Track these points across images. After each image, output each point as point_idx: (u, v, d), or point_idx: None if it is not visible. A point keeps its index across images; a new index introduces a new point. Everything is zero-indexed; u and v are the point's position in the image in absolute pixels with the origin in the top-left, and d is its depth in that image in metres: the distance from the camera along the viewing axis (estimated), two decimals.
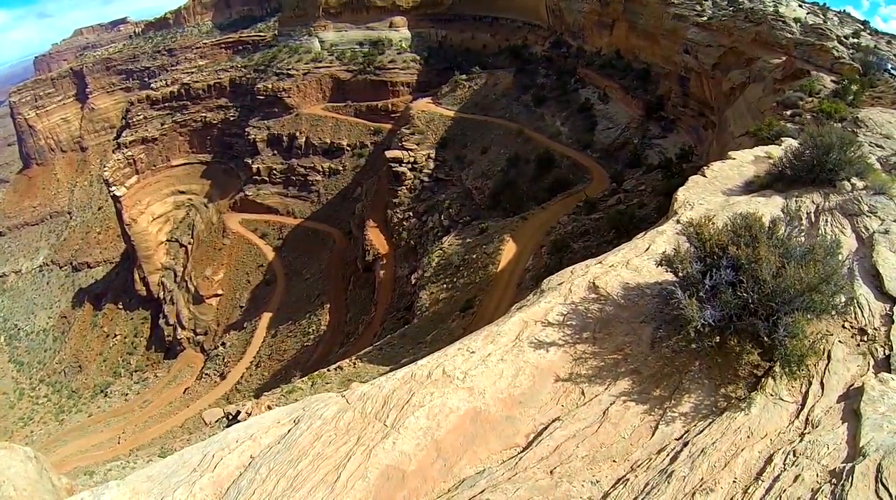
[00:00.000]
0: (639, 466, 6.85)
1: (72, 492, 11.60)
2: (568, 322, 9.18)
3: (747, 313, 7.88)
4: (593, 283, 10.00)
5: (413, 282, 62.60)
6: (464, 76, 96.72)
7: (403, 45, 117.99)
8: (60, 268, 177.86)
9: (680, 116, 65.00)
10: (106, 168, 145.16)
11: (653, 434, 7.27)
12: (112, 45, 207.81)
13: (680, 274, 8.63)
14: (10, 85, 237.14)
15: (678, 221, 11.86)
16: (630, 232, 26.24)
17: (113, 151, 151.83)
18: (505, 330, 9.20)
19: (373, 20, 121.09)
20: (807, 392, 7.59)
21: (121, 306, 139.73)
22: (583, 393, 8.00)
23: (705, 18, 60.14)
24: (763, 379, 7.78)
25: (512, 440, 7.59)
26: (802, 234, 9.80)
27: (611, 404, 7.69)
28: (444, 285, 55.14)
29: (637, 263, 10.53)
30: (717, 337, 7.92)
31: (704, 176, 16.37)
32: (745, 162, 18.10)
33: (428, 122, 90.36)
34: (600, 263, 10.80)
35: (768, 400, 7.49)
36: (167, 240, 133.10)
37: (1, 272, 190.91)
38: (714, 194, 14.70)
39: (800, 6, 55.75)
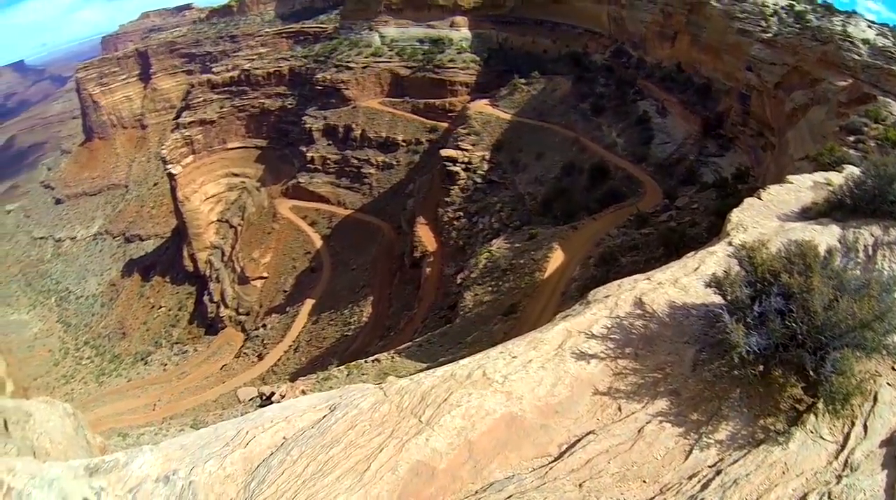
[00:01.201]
0: (668, 489, 6.81)
1: (105, 451, 11.80)
2: (611, 336, 9.09)
3: (794, 345, 7.65)
4: (640, 298, 9.88)
5: (458, 282, 62.34)
6: (523, 80, 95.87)
7: (464, 45, 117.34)
8: (113, 238, 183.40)
9: (738, 135, 63.49)
10: (164, 146, 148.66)
11: (686, 458, 7.20)
12: (177, 30, 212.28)
13: (728, 298, 8.43)
14: (78, 62, 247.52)
15: (730, 243, 11.64)
16: (680, 250, 25.83)
17: (171, 131, 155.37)
18: (548, 338, 9.15)
19: (434, 18, 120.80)
20: (848, 433, 7.41)
21: (168, 280, 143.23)
22: (620, 409, 7.94)
23: (770, 35, 58.47)
24: (804, 415, 7.61)
25: (545, 448, 7.56)
26: (858, 267, 9.47)
27: (647, 423, 7.61)
28: (490, 288, 54.86)
29: (685, 282, 10.36)
30: (761, 366, 7.72)
31: (760, 199, 15.99)
32: (803, 187, 17.65)
33: (485, 123, 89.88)
34: (648, 279, 10.66)
35: (808, 437, 7.34)
36: (218, 220, 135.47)
37: (58, 237, 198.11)
38: (769, 218, 14.39)
39: (869, 27, 53.64)
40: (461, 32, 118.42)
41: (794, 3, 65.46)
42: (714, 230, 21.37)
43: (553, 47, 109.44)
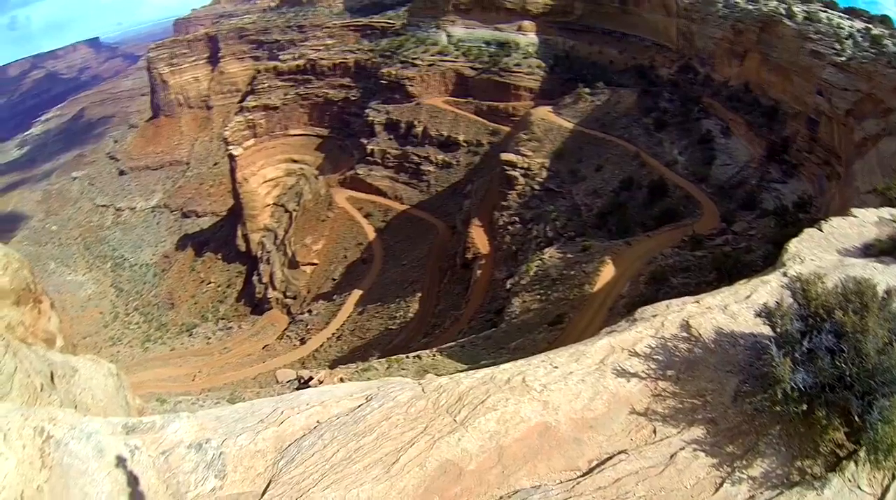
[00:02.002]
0: None
1: (142, 413, 12.07)
2: (654, 356, 8.96)
3: (842, 386, 7.32)
4: (687, 321, 9.69)
5: (508, 287, 62.22)
6: (587, 90, 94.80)
7: (530, 50, 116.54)
8: (171, 212, 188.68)
9: (803, 161, 61.65)
10: (227, 128, 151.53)
11: (716, 491, 7.06)
12: (247, 16, 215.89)
13: (778, 330, 8.18)
14: (150, 42, 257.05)
15: (785, 274, 11.32)
16: (732, 276, 25.35)
17: (235, 114, 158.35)
18: (591, 351, 9.08)
19: (502, 21, 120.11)
20: (888, 487, 7.17)
21: (219, 257, 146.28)
22: (654, 431, 7.83)
23: (844, 59, 56.56)
24: (844, 461, 7.36)
25: (574, 462, 7.51)
26: None
27: (680, 449, 7.49)
28: (538, 296, 54.65)
29: (735, 309, 10.10)
30: (805, 405, 7.40)
31: (821, 230, 15.55)
32: (867, 222, 17.10)
33: (546, 130, 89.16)
34: (697, 302, 10.45)
35: (845, 485, 7.10)
36: (274, 203, 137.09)
37: (118, 207, 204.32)
38: (828, 252, 14.02)
39: None
40: (528, 37, 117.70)
41: (870, 26, 63.60)
42: (770, 259, 20.86)
43: (620, 59, 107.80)
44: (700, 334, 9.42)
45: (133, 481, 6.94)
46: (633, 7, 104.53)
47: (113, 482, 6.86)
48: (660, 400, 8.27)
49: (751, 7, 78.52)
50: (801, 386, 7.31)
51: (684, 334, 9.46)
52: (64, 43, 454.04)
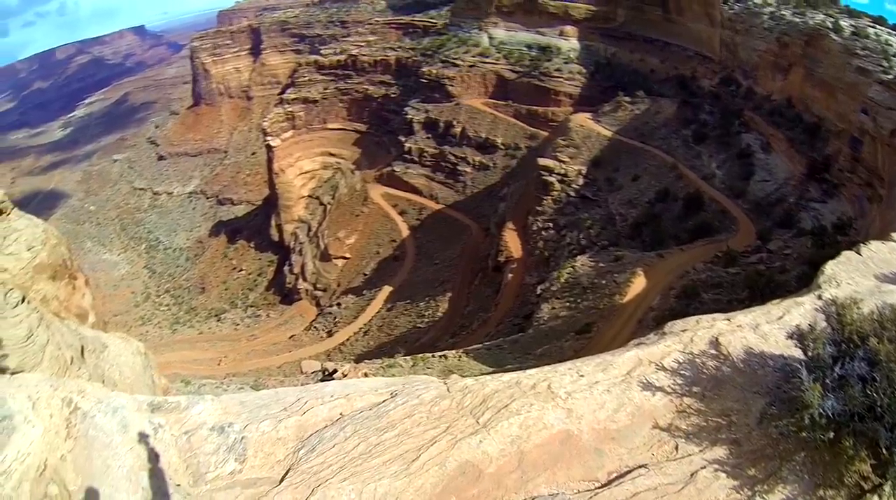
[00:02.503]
0: None
1: (167, 393, 12.26)
2: (681, 371, 8.86)
3: (872, 417, 7.09)
4: (716, 339, 9.55)
5: (538, 292, 61.91)
6: (627, 98, 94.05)
7: (571, 55, 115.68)
8: (207, 198, 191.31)
9: (845, 181, 59.93)
10: (266, 119, 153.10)
11: None
12: (290, 10, 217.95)
13: (809, 353, 8.00)
14: (194, 31, 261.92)
15: (820, 297, 11.11)
16: (765, 296, 24.95)
17: (275, 105, 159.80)
18: (618, 362, 9.02)
19: (544, 25, 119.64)
20: None
21: (252, 245, 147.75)
22: (676, 448, 7.74)
23: (891, 77, 54.61)
24: (868, 494, 7.16)
25: (594, 472, 7.46)
26: None
27: (701, 468, 7.38)
28: (567, 304, 54.29)
29: (766, 329, 9.90)
30: (832, 433, 7.19)
31: (859, 254, 15.21)
32: None
33: (585, 137, 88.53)
34: (728, 320, 10.28)
35: None
36: (309, 195, 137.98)
37: (156, 190, 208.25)
38: (865, 277, 13.72)
39: None
40: (570, 42, 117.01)
41: None
42: (805, 280, 20.50)
43: (661, 68, 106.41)
44: (729, 353, 9.29)
45: (154, 457, 7.06)
46: (677, 16, 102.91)
47: (135, 457, 6.99)
48: (684, 417, 8.18)
49: (797, 20, 77.04)
50: (829, 413, 7.12)
51: (713, 352, 9.34)
52: (110, 29, 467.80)
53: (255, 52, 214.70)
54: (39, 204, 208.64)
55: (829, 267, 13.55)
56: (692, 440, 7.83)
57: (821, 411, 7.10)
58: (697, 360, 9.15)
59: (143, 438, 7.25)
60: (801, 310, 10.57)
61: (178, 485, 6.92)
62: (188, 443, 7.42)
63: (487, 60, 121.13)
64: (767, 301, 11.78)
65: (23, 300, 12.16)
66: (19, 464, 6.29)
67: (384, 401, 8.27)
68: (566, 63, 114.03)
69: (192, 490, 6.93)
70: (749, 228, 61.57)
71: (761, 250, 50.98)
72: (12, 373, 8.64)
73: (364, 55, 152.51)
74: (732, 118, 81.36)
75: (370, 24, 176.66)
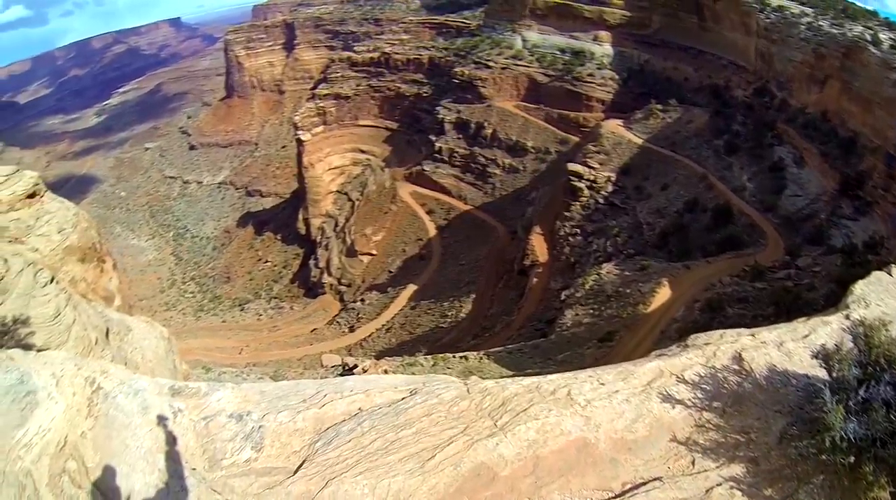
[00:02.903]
0: None
1: (187, 378, 12.40)
2: (702, 385, 8.74)
3: (894, 443, 6.93)
4: (740, 354, 9.39)
5: (562, 298, 61.82)
6: (659, 106, 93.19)
7: (604, 61, 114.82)
8: (236, 189, 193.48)
9: (879, 199, 58.62)
10: (298, 113, 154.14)
11: None
12: (324, 6, 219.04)
13: (834, 374, 7.86)
14: (229, 25, 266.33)
15: (848, 317, 10.84)
16: (791, 313, 24.60)
17: (307, 100, 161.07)
18: (639, 372, 8.94)
19: (577, 29, 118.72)
20: None
21: (279, 238, 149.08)
22: (693, 463, 7.66)
23: None
24: None
25: (608, 482, 7.41)
26: None
27: (717, 485, 7.29)
28: (591, 311, 54.12)
29: (791, 347, 9.71)
30: (853, 457, 7.03)
31: (890, 274, 14.86)
32: None
33: (615, 144, 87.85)
34: (752, 335, 10.08)
35: None
36: (337, 191, 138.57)
37: (186, 179, 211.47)
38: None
39: None
40: (603, 48, 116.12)
41: None
42: (833, 299, 20.10)
43: (694, 77, 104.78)
44: (752, 369, 9.15)
45: (172, 440, 7.16)
46: (712, 24, 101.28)
47: (153, 439, 7.11)
48: (703, 431, 8.09)
49: (835, 31, 75.52)
50: (851, 437, 6.98)
51: (735, 367, 9.21)
52: (147, 21, 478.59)
53: (289, 46, 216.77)
54: (72, 188, 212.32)
55: (859, 287, 13.29)
56: (709, 456, 7.73)
57: (842, 434, 6.96)
58: (719, 374, 9.02)
59: (162, 421, 7.38)
60: (827, 329, 10.35)
61: (194, 469, 7.00)
62: (206, 429, 7.51)
63: (520, 63, 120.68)
64: (793, 319, 11.53)
65: (52, 280, 12.39)
66: (40, 438, 6.45)
67: (403, 398, 8.29)
68: (599, 68, 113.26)
69: (207, 475, 7.01)
70: (778, 243, 60.58)
71: (789, 266, 50.06)
72: (38, 350, 8.80)
73: (397, 53, 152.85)
74: (765, 130, 79.89)
75: (404, 22, 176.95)
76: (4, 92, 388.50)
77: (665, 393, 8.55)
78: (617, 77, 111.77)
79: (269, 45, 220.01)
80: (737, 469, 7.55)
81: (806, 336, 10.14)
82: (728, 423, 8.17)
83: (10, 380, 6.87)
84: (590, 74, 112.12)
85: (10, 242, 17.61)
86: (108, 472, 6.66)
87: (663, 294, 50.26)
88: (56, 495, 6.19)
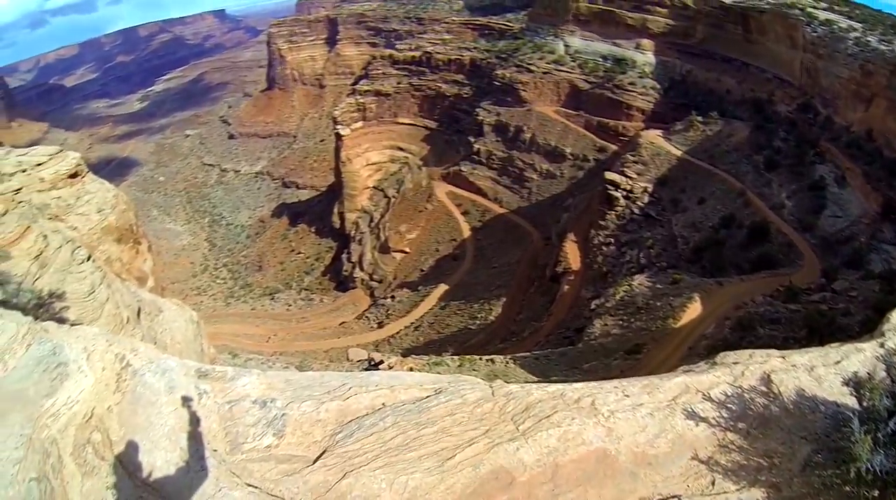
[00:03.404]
0: None
1: (214, 361, 12.57)
2: (728, 405, 8.56)
3: None
4: (769, 376, 9.16)
5: (592, 307, 61.39)
6: (700, 118, 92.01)
7: (646, 69, 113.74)
8: (272, 180, 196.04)
9: None
10: (337, 108, 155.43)
11: None
12: (368, 3, 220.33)
13: (864, 403, 7.63)
14: (273, 18, 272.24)
15: (882, 345, 10.54)
16: (824, 337, 24.19)
17: (347, 95, 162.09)
18: (665, 387, 8.81)
19: (620, 37, 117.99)
20: None
21: (313, 230, 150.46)
22: (713, 483, 7.51)
23: None
24: None
25: (626, 496, 7.33)
26: None
27: None
28: (620, 322, 53.65)
29: (821, 373, 9.42)
30: (877, 491, 6.83)
31: None
32: None
33: (654, 155, 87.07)
34: (783, 357, 9.82)
35: None
36: (374, 187, 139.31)
37: (224, 167, 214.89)
38: None
39: None
40: (646, 56, 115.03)
41: None
42: (868, 326, 19.64)
43: (737, 90, 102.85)
44: (780, 392, 8.93)
45: (195, 421, 7.29)
46: (758, 35, 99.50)
47: (177, 418, 7.26)
48: (725, 452, 7.94)
49: (883, 48, 73.89)
50: (877, 469, 6.77)
51: (763, 389, 9.01)
52: (192, 11, 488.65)
53: (331, 42, 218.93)
54: (112, 170, 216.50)
55: None
56: (730, 478, 7.59)
57: (868, 465, 6.77)
58: (746, 395, 8.83)
59: (187, 401, 7.53)
60: (860, 357, 10.06)
61: (215, 451, 7.11)
62: (230, 412, 7.61)
63: (562, 68, 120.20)
64: (826, 343, 11.23)
65: (88, 258, 12.66)
66: (68, 409, 6.67)
67: (428, 396, 8.30)
68: (641, 77, 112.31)
69: (227, 457, 7.10)
70: (814, 264, 59.22)
71: (825, 289, 48.86)
72: (72, 324, 9.01)
73: (439, 53, 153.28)
74: (807, 147, 78.20)
75: (447, 22, 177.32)
76: (52, 75, 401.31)
77: (690, 410, 8.41)
78: (658, 86, 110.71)
79: (312, 40, 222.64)
80: (757, 494, 7.40)
81: (838, 362, 9.83)
82: (752, 445, 8.01)
83: (43, 351, 7.13)
84: (631, 83, 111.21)
85: (50, 219, 18.04)
86: (132, 447, 6.84)
87: (694, 310, 49.61)
88: (79, 464, 6.38)
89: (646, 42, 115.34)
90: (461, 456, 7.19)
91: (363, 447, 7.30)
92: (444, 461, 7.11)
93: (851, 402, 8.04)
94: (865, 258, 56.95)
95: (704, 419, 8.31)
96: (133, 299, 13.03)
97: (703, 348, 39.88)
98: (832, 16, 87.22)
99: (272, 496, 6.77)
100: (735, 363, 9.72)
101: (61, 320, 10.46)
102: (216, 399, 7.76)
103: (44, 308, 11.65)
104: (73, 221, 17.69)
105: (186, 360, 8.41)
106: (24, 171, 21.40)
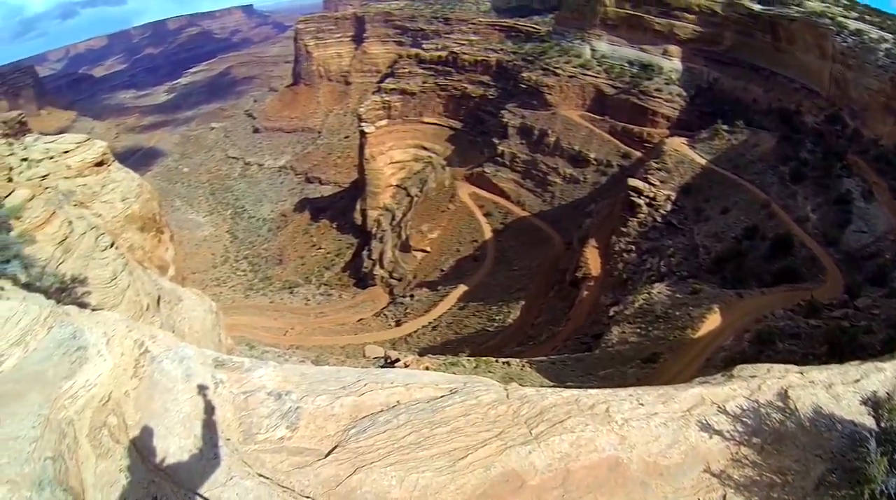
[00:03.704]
0: None
1: (231, 352, 12.67)
2: (743, 418, 8.42)
3: None
4: (786, 391, 8.98)
5: (610, 314, 61.19)
6: (725, 127, 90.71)
7: (672, 76, 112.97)
8: (296, 174, 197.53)
9: None
10: (363, 105, 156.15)
11: None
12: (395, 2, 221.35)
13: (882, 424, 7.53)
14: (300, 14, 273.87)
15: None
16: (844, 355, 23.81)
17: (373, 93, 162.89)
18: (680, 397, 8.71)
19: (647, 42, 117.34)
20: None
21: (334, 226, 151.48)
22: (724, 497, 7.40)
23: None
24: None
25: None
26: None
27: None
28: (638, 330, 53.27)
29: (840, 391, 9.22)
30: None
31: None
32: None
33: (678, 163, 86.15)
34: (801, 373, 9.62)
35: None
36: (397, 185, 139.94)
37: (247, 161, 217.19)
38: None
39: None
40: (672, 63, 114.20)
41: None
42: (890, 345, 19.43)
43: (764, 99, 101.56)
44: (797, 408, 8.77)
45: (210, 410, 7.37)
46: (786, 44, 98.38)
47: (192, 406, 7.36)
48: (738, 466, 7.83)
49: None
50: (892, 492, 6.66)
51: (780, 404, 8.86)
52: (221, 6, 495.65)
53: (358, 39, 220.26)
54: (138, 160, 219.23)
55: None
56: (742, 493, 7.48)
57: (883, 488, 6.67)
58: (762, 410, 8.70)
59: (203, 390, 7.62)
60: (881, 376, 9.90)
61: (228, 440, 7.18)
62: (245, 403, 7.68)
63: (588, 73, 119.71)
64: (846, 361, 11.04)
65: (111, 245, 12.84)
66: (86, 392, 6.84)
67: (442, 396, 8.29)
68: (667, 84, 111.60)
69: (240, 447, 7.16)
70: (837, 279, 58.02)
71: (847, 306, 48.02)
72: (93, 309, 9.15)
73: (465, 54, 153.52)
74: (834, 160, 76.64)
75: (474, 23, 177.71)
76: (82, 65, 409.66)
77: (704, 422, 8.32)
78: (684, 93, 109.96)
79: (339, 37, 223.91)
80: None
81: (857, 381, 9.62)
82: (765, 461, 7.90)
83: (64, 334, 7.31)
84: (657, 89, 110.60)
85: (75, 205, 18.31)
86: (146, 432, 6.95)
87: (713, 321, 49.14)
88: (94, 446, 6.52)
89: (673, 48, 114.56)
90: (473, 457, 7.18)
91: (375, 443, 7.31)
92: (455, 462, 7.10)
93: (869, 422, 7.94)
94: (890, 275, 55.62)
95: (718, 432, 8.21)
96: (154, 287, 13.21)
97: (721, 360, 39.53)
98: (863, 26, 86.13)
99: (282, 487, 6.82)
100: (752, 377, 9.61)
101: (83, 305, 10.63)
102: (232, 389, 7.84)
103: (66, 292, 11.85)
104: (98, 208, 17.96)
105: (204, 349, 8.50)
106: (51, 158, 21.79)
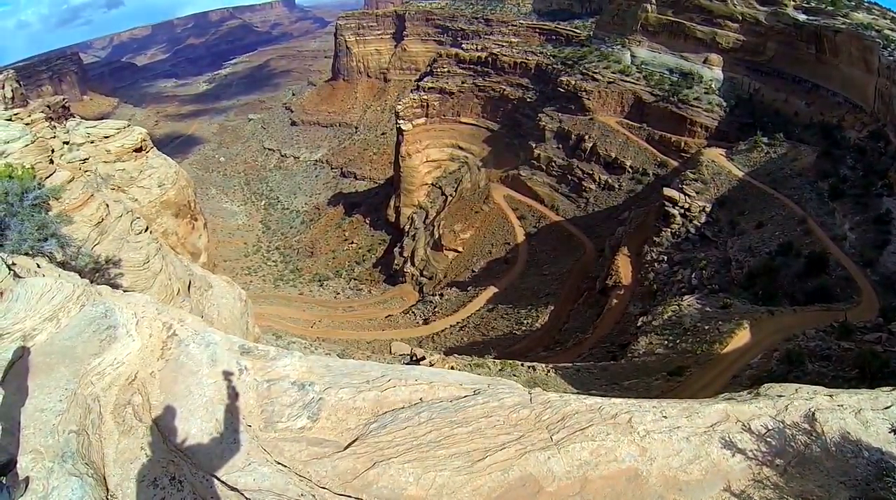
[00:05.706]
0: None
1: (258, 341, 12.83)
2: (767, 438, 8.34)
3: None
4: (813, 413, 8.93)
5: (639, 324, 60.72)
6: (765, 139, 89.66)
7: (713, 85, 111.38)
8: (331, 168, 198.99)
9: None
10: (401, 103, 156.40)
11: None
12: (436, 1, 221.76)
13: None
14: (341, 10, 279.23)
15: None
16: (875, 380, 23.45)
17: (411, 91, 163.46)
18: (705, 412, 8.64)
19: (688, 50, 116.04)
20: None
21: (367, 222, 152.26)
22: None
23: None
24: None
25: None
26: None
27: None
28: (665, 342, 52.92)
29: (869, 416, 9.14)
30: None
31: None
32: None
33: (714, 174, 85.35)
34: (830, 396, 9.56)
35: None
36: (431, 184, 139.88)
37: (284, 153, 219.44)
38: None
39: None
40: (713, 72, 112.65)
41: None
42: None
43: (806, 112, 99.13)
44: (823, 432, 8.70)
45: (233, 395, 7.48)
46: (830, 56, 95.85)
47: (216, 391, 7.49)
48: (759, 487, 7.74)
49: None
50: None
51: (806, 426, 8.78)
52: (263, 0, 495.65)
53: (398, 37, 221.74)
54: (175, 147, 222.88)
55: None
56: None
57: None
58: (788, 431, 8.61)
59: (227, 375, 7.75)
60: None
61: (250, 426, 7.27)
62: (268, 391, 7.76)
63: (627, 79, 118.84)
64: (877, 386, 10.90)
65: (146, 229, 13.09)
66: (113, 369, 7.04)
67: (466, 396, 8.29)
68: (706, 93, 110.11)
69: (260, 434, 7.25)
70: (872, 301, 56.25)
71: (881, 329, 46.76)
72: (124, 291, 9.35)
73: (505, 55, 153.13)
74: (875, 178, 74.76)
75: (514, 25, 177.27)
76: (125, 53, 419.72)
77: (727, 439, 8.24)
78: (724, 104, 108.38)
79: (379, 34, 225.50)
80: None
81: (887, 408, 9.55)
82: (787, 484, 7.79)
83: (96, 313, 7.51)
84: (696, 98, 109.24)
85: (113, 189, 18.69)
86: (169, 412, 7.09)
87: (742, 337, 48.50)
88: (118, 423, 6.68)
89: (714, 57, 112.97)
90: (492, 459, 7.18)
91: (395, 439, 7.35)
92: (474, 462, 7.11)
93: None
94: None
95: (741, 451, 8.14)
96: (185, 272, 13.44)
97: (748, 377, 39.08)
98: None
99: (299, 476, 6.88)
100: (779, 396, 9.49)
101: (115, 286, 10.85)
102: (256, 377, 7.92)
103: (100, 273, 12.12)
104: (135, 193, 18.29)
105: (231, 336, 8.61)
106: (92, 142, 22.27)
